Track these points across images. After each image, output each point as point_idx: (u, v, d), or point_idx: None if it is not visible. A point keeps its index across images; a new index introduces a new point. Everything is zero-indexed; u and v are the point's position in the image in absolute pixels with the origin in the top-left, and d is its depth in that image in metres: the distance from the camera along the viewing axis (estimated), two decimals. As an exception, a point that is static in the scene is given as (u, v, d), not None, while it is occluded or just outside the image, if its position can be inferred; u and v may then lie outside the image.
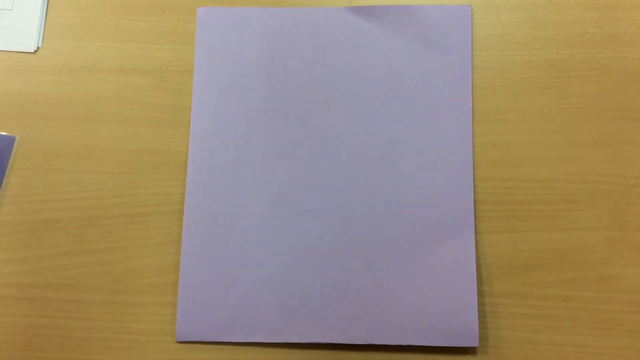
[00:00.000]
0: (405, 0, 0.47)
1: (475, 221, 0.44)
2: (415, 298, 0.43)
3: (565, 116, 0.45)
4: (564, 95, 0.45)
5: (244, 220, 0.44)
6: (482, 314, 0.43)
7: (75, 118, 0.46)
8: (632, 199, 0.44)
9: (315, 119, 0.46)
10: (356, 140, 0.45)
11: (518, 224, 0.44)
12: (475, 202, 0.44)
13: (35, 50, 0.48)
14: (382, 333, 0.42)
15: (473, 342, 0.42)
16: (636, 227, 0.43)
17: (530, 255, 0.43)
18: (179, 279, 0.43)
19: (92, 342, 0.43)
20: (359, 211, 0.44)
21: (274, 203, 0.44)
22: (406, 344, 0.42)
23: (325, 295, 0.43)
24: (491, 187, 0.44)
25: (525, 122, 0.45)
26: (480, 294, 0.43)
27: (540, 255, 0.43)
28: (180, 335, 0.43)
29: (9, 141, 0.46)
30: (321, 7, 0.47)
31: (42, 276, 0.44)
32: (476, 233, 0.44)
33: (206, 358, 0.43)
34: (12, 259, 0.44)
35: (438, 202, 0.44)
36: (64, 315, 0.44)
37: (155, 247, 0.44)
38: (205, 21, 0.47)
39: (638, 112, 0.45)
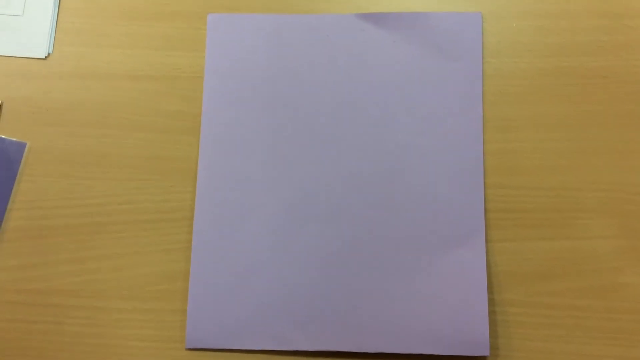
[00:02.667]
0: (415, 7, 0.47)
1: (485, 229, 0.44)
2: (426, 306, 0.42)
3: (576, 124, 0.45)
4: (575, 103, 0.45)
5: (254, 227, 0.44)
6: (492, 322, 0.43)
7: (85, 124, 0.47)
8: (644, 207, 0.44)
9: (325, 125, 0.46)
10: (366, 147, 0.45)
11: (529, 232, 0.44)
12: (485, 210, 0.44)
13: (45, 57, 0.48)
14: (392, 341, 0.42)
15: (484, 351, 0.42)
16: (647, 236, 0.43)
17: (540, 264, 0.43)
18: (189, 285, 0.43)
19: (102, 349, 0.43)
20: (368, 218, 0.44)
21: (283, 210, 0.44)
22: (416, 353, 0.42)
23: (335, 303, 0.43)
24: (502, 194, 0.44)
25: (536, 130, 0.45)
26: (491, 302, 0.43)
27: (550, 263, 0.43)
28: (190, 342, 0.43)
29: (20, 147, 0.46)
30: (331, 13, 0.47)
31: (52, 282, 0.44)
32: (487, 241, 0.44)
33: (215, 365, 0.43)
34: (22, 265, 0.44)
35: (448, 209, 0.44)
36: (73, 322, 0.44)
37: (165, 254, 0.44)
38: (215, 27, 0.47)
39: (649, 120, 0.45)
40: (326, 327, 0.43)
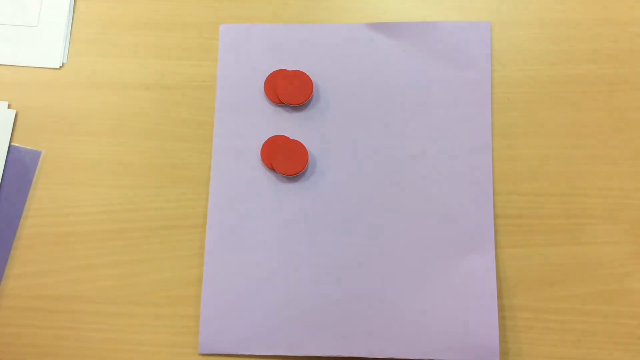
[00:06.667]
0: (425, 17, 0.48)
1: (495, 235, 0.44)
2: (436, 312, 0.43)
3: (583, 131, 0.45)
4: (582, 110, 0.46)
5: (266, 234, 0.45)
6: (502, 328, 0.43)
7: (99, 133, 0.47)
8: (652, 213, 0.44)
9: (335, 133, 0.46)
10: (375, 155, 0.46)
11: (538, 238, 0.44)
12: (495, 216, 0.44)
13: (60, 66, 0.49)
14: (402, 347, 0.43)
15: (493, 357, 0.42)
16: (656, 242, 0.44)
17: (550, 270, 0.44)
18: (202, 291, 0.44)
19: (116, 354, 0.44)
20: (379, 225, 0.44)
21: (295, 217, 0.45)
22: (426, 358, 0.42)
23: (346, 309, 0.43)
24: (511, 201, 0.45)
25: (544, 137, 0.46)
26: (501, 308, 0.43)
27: (560, 269, 0.44)
28: (203, 347, 0.43)
29: (35, 155, 0.47)
30: (341, 23, 0.48)
31: (66, 288, 0.45)
32: (496, 247, 0.44)
33: (228, 370, 0.43)
34: (37, 271, 0.45)
35: (458, 216, 0.44)
36: (88, 327, 0.44)
37: (178, 260, 0.45)
38: (227, 38, 0.48)
39: (657, 126, 0.45)
40: (337, 333, 0.43)
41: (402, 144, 0.46)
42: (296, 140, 0.45)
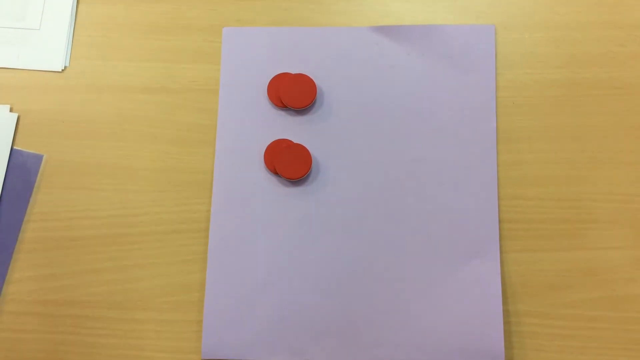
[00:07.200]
0: (429, 20, 0.48)
1: (500, 240, 0.44)
2: (441, 318, 0.43)
3: (589, 135, 0.45)
4: (587, 114, 0.45)
5: (269, 239, 0.44)
6: (507, 333, 0.43)
7: (101, 136, 0.47)
8: (658, 218, 0.44)
9: (338, 137, 0.46)
10: (380, 159, 0.45)
11: (543, 243, 0.44)
12: (499, 221, 0.44)
13: (62, 70, 0.48)
14: (407, 353, 0.42)
15: (498, 362, 0.42)
16: (662, 247, 0.43)
17: (555, 275, 0.43)
18: (205, 296, 0.44)
19: (119, 359, 0.44)
20: (383, 230, 0.44)
21: (299, 221, 0.45)
22: (431, 363, 0.42)
23: (350, 314, 0.43)
24: (515, 205, 0.44)
25: (549, 141, 0.45)
26: (506, 313, 0.43)
27: (565, 274, 0.43)
28: (206, 352, 0.43)
29: (37, 159, 0.47)
30: (345, 26, 0.48)
31: (68, 293, 0.45)
32: (501, 252, 0.44)
33: (231, 376, 0.43)
34: (38, 276, 0.45)
35: (463, 221, 0.44)
36: (90, 333, 0.44)
37: (181, 265, 0.45)
38: (230, 41, 0.48)
39: (662, 130, 0.45)
40: (341, 339, 0.43)
41: (406, 148, 0.45)
42: (299, 144, 0.45)
